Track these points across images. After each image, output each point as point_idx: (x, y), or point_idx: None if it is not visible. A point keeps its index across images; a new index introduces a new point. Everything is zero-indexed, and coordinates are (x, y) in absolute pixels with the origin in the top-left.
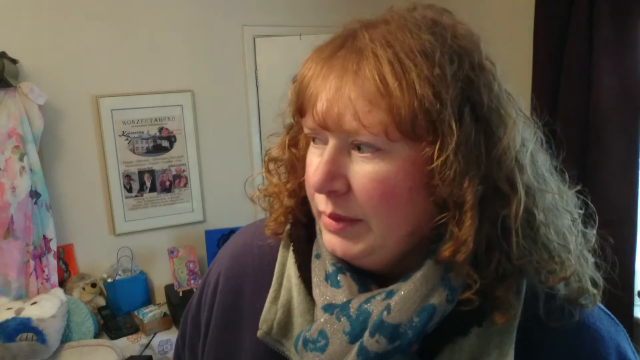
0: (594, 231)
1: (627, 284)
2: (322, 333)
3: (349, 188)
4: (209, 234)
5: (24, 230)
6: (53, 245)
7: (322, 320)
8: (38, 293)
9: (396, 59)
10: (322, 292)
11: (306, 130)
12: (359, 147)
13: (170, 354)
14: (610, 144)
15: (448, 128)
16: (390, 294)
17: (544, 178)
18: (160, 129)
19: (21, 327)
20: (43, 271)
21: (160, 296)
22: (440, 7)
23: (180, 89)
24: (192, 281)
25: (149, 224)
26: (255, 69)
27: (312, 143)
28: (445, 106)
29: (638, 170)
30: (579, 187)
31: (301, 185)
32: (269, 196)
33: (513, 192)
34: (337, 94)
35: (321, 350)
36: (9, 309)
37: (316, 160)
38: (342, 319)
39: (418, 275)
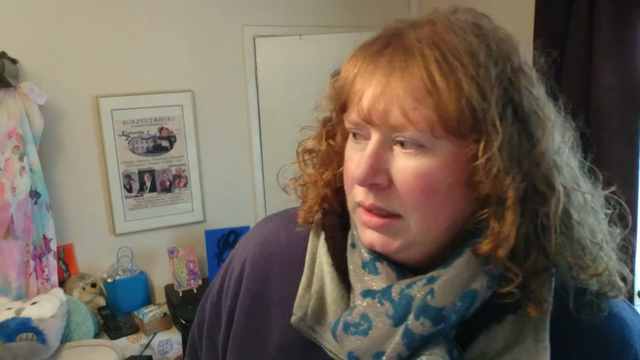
0: (618, 230)
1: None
2: (364, 317)
3: (390, 183)
4: (209, 234)
5: (24, 230)
6: (53, 245)
7: (363, 304)
8: (38, 293)
9: (443, 58)
10: (360, 279)
11: (348, 125)
12: (402, 143)
13: (171, 354)
14: (610, 144)
15: (492, 127)
16: (431, 280)
17: (578, 179)
18: (160, 129)
19: (21, 327)
20: (43, 271)
21: (160, 296)
22: (479, 12)
23: (180, 89)
24: (192, 281)
25: (149, 224)
26: (255, 69)
27: (351, 138)
28: (490, 105)
29: (638, 170)
30: (613, 188)
31: (336, 177)
32: (304, 185)
33: (551, 191)
34: (384, 90)
35: (364, 334)
36: (9, 309)
37: (356, 155)
38: (384, 303)
39: (460, 262)
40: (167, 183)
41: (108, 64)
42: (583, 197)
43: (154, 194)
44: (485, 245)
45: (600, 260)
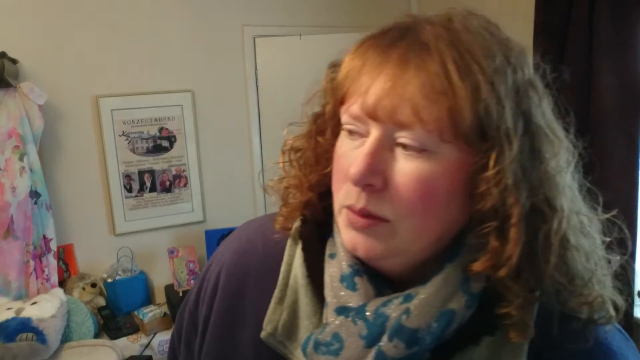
0: (618, 257)
1: (627, 284)
2: (336, 336)
3: (385, 185)
4: (209, 234)
5: (24, 230)
6: (53, 245)
7: (336, 322)
8: (38, 293)
9: (461, 59)
10: (336, 294)
11: (345, 119)
12: (404, 144)
13: None
14: (610, 144)
15: (506, 137)
16: (408, 298)
17: (578, 200)
18: (160, 129)
19: (21, 327)
20: (43, 271)
21: (160, 296)
22: (490, 19)
23: (180, 89)
24: (192, 281)
25: (149, 224)
26: (255, 69)
27: (346, 134)
28: (506, 115)
29: (638, 170)
30: (614, 212)
31: (321, 180)
32: (287, 188)
33: (552, 212)
34: (395, 85)
35: (334, 354)
36: (9, 309)
37: (351, 153)
38: (358, 322)
39: (438, 279)
40: (167, 183)
41: (108, 64)
42: (581, 221)
43: (154, 194)
44: (482, 264)
45: (591, 287)
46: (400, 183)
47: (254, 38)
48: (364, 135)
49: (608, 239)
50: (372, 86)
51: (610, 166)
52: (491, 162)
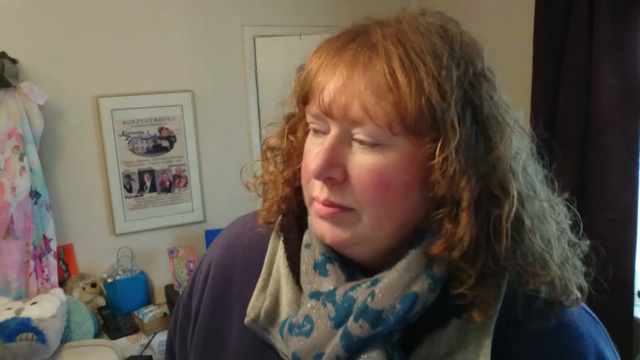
0: (587, 241)
1: (627, 284)
2: (307, 318)
3: (345, 177)
4: (209, 234)
5: (24, 230)
6: (53, 245)
7: (308, 306)
8: (38, 293)
9: (406, 56)
10: (310, 280)
11: (309, 119)
12: (359, 139)
13: None
14: (610, 144)
15: (451, 127)
16: (375, 282)
17: (534, 186)
18: (160, 129)
19: (21, 327)
20: (43, 271)
21: (160, 296)
22: (447, 16)
23: (180, 89)
24: None
25: (149, 224)
26: (255, 69)
27: (312, 132)
28: (449, 106)
29: (638, 170)
30: (566, 196)
31: (296, 175)
32: (265, 184)
33: (505, 196)
34: (346, 84)
35: (306, 335)
36: (9, 309)
37: (315, 149)
38: (327, 305)
39: (402, 264)
40: (167, 183)
41: (108, 64)
42: (539, 205)
43: (154, 194)
44: (437, 247)
45: (549, 268)
46: (357, 175)
47: (254, 38)
48: (326, 132)
49: (570, 222)
50: (327, 86)
51: (610, 166)
52: (437, 151)
